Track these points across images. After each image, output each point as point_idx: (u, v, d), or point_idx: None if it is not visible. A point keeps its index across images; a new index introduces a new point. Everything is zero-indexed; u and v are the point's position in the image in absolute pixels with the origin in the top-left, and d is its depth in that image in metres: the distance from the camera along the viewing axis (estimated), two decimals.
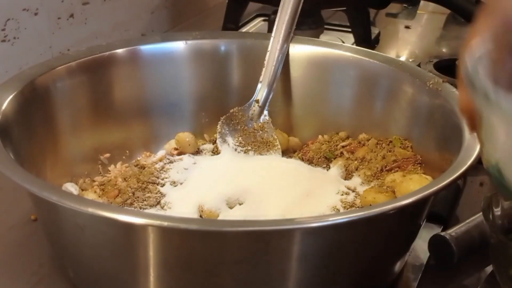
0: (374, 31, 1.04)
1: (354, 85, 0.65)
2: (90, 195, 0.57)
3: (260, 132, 0.65)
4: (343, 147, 0.64)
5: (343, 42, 1.00)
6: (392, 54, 1.05)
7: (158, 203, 0.58)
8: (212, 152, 0.66)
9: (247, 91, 0.66)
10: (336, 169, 0.61)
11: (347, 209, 0.55)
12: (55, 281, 0.51)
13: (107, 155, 0.63)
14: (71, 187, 0.58)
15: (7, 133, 0.50)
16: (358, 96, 0.65)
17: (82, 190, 0.59)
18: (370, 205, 0.53)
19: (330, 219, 0.42)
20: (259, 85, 0.65)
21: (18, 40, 0.75)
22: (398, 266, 0.51)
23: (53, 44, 0.81)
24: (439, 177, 0.45)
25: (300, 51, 0.67)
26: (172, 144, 0.66)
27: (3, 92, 0.54)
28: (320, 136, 0.66)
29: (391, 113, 0.63)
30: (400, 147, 0.60)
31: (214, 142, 0.66)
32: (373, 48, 1.00)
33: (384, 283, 0.51)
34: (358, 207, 0.55)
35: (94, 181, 0.61)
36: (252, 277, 0.43)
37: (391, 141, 0.61)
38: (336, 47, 0.67)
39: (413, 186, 0.51)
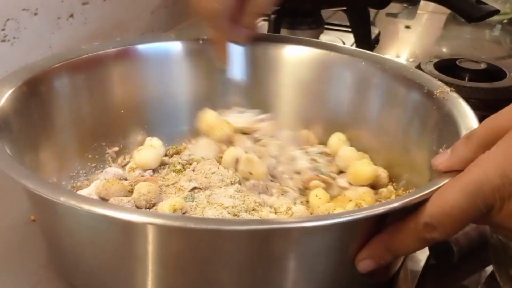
0: (374, 31, 1.04)
1: (352, 88, 0.65)
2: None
3: None
4: None
5: (343, 42, 1.00)
6: (392, 54, 1.06)
7: None
8: None
9: (244, 89, 0.66)
10: None
11: None
12: (54, 281, 0.51)
13: (115, 148, 0.64)
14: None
15: (4, 128, 0.50)
16: (357, 99, 0.65)
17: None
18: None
19: (327, 219, 0.41)
20: None
21: (18, 40, 0.75)
22: (396, 263, 0.51)
23: (53, 44, 0.81)
24: (434, 179, 0.45)
25: (302, 52, 0.67)
26: None
27: (1, 88, 0.53)
28: None
29: (390, 117, 0.62)
30: None
31: None
32: (373, 48, 1.01)
33: (383, 280, 0.51)
34: None
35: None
36: (251, 276, 0.43)
37: None
38: (335, 49, 0.67)
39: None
